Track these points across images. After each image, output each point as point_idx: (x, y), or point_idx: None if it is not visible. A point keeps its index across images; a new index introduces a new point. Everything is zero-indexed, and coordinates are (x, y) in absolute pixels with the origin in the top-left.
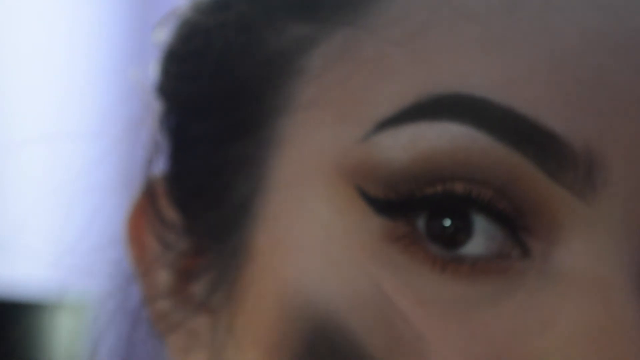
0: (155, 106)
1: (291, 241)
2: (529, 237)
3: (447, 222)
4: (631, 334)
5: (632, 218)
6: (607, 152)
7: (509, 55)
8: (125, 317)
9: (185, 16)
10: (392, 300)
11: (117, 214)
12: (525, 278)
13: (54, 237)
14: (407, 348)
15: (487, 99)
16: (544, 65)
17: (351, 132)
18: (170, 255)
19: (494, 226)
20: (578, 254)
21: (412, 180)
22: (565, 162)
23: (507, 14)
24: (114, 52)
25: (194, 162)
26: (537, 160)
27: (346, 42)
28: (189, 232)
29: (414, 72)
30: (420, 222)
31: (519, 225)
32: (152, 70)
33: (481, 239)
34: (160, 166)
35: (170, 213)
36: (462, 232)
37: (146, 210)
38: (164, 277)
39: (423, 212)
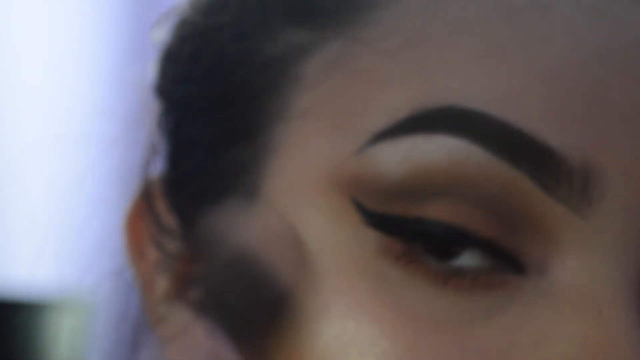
0: (153, 106)
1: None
2: (525, 252)
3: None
4: (626, 351)
5: (628, 232)
6: (603, 167)
7: (505, 68)
8: (125, 317)
9: (184, 15)
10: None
11: (116, 214)
12: (520, 292)
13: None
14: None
15: (484, 113)
16: (541, 79)
17: (346, 142)
18: (168, 259)
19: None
20: (573, 269)
21: (408, 193)
22: (562, 176)
23: (503, 25)
24: (112, 50)
25: (190, 166)
26: (533, 175)
27: (342, 51)
28: (186, 237)
29: (409, 84)
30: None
31: (517, 264)
32: (150, 70)
33: (477, 249)
34: (158, 167)
35: (168, 217)
36: (458, 243)
37: (144, 213)
38: (162, 281)
39: (419, 231)
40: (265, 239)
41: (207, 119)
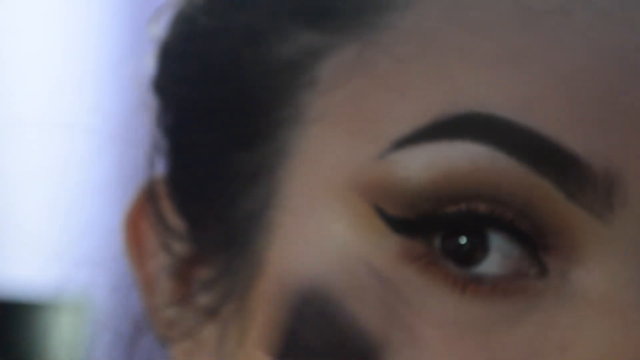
0: (151, 102)
1: (304, 255)
2: (548, 257)
3: (463, 240)
4: None
5: None
6: (625, 172)
7: (526, 73)
8: (125, 318)
9: (185, 12)
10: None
11: (117, 213)
12: (542, 298)
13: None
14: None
15: (508, 120)
16: (562, 85)
17: (366, 149)
18: (171, 261)
19: (512, 245)
20: (596, 274)
21: (432, 199)
22: (585, 182)
23: (522, 30)
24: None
25: (195, 168)
26: (557, 181)
27: (359, 55)
28: (192, 238)
29: (430, 90)
30: (436, 240)
31: (539, 244)
32: (148, 64)
33: (497, 257)
34: (161, 165)
35: (172, 217)
36: (479, 250)
37: (146, 212)
38: (166, 283)
39: (441, 230)
40: (334, 270)
41: (214, 122)
